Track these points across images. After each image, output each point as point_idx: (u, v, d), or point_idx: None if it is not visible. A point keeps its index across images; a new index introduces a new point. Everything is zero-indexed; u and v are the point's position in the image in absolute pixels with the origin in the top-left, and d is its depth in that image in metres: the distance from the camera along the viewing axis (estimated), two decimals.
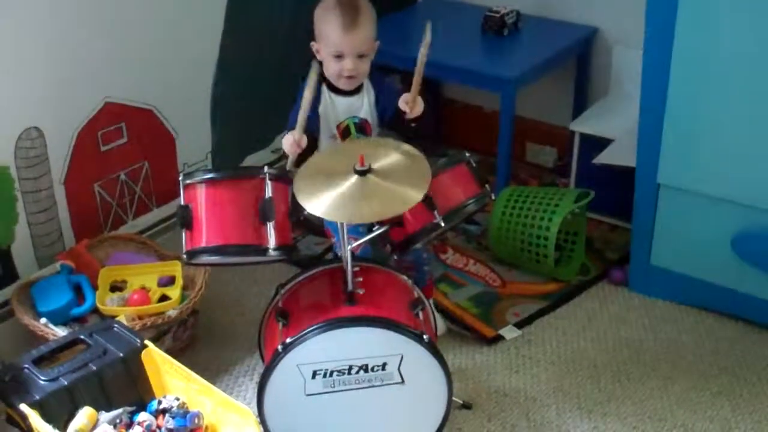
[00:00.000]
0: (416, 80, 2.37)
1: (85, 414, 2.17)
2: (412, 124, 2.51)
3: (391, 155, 2.23)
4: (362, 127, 2.55)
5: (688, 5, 2.56)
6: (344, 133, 2.54)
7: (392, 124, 2.56)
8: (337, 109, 2.54)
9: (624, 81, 3.44)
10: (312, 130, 2.49)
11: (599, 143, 3.26)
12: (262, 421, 2.22)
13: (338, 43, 2.44)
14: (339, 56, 2.46)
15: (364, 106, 2.56)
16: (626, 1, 3.25)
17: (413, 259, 2.64)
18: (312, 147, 2.45)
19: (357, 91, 2.54)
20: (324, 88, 2.53)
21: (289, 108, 2.62)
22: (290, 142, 2.36)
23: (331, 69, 2.48)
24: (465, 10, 3.67)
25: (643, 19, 2.68)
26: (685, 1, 2.56)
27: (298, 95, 2.33)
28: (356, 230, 2.41)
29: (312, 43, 2.52)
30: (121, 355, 2.30)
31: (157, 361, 2.32)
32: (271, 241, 2.22)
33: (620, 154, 3.13)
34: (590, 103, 3.55)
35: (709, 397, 2.64)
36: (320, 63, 2.47)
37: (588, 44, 3.50)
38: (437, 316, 2.68)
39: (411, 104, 2.43)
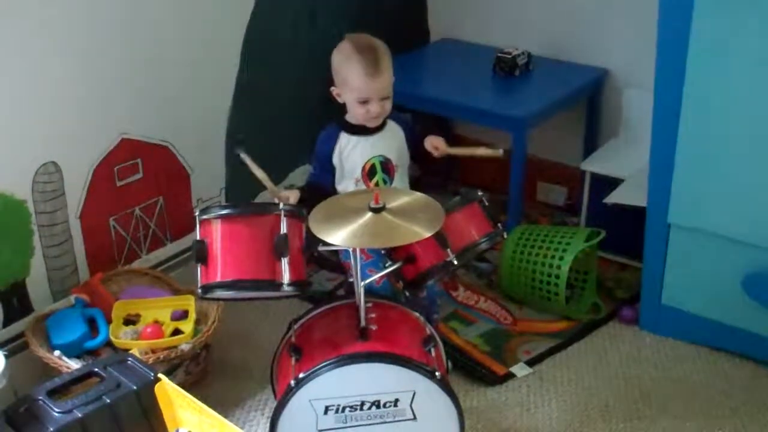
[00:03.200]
0: (462, 151, 2.66)
1: None
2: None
3: (405, 198, 2.28)
4: (386, 166, 2.60)
5: (699, 47, 2.59)
6: (370, 172, 2.58)
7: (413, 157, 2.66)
8: (357, 150, 2.58)
9: (634, 121, 3.46)
10: (325, 185, 2.59)
11: (610, 183, 3.28)
12: None
13: (363, 89, 2.48)
14: (364, 102, 2.50)
15: (385, 144, 2.59)
16: (637, 44, 3.29)
17: (427, 301, 2.65)
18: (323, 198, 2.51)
19: (377, 130, 2.59)
20: (342, 134, 2.57)
21: (305, 147, 2.65)
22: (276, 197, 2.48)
23: (355, 112, 2.53)
24: (477, 50, 3.71)
25: (653, 60, 2.71)
26: (696, 43, 2.59)
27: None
28: (376, 264, 2.45)
29: (332, 88, 2.56)
30: (135, 388, 2.31)
31: (171, 395, 2.32)
32: (286, 277, 2.23)
33: (631, 194, 3.15)
34: (601, 144, 3.58)
35: None
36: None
37: (599, 85, 3.53)
38: None
39: (440, 151, 2.60)
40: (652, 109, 2.76)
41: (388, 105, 2.54)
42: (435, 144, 2.59)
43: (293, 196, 2.48)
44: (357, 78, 2.48)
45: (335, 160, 2.59)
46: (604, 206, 3.24)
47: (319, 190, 2.54)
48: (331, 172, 2.61)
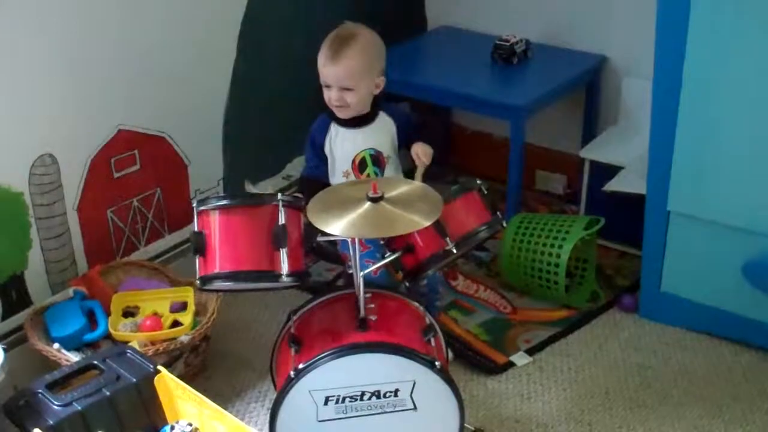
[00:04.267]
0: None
1: None
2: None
3: (404, 187, 2.28)
4: (377, 159, 2.59)
5: (698, 34, 2.58)
6: (360, 165, 2.57)
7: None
8: (345, 142, 2.58)
9: (634, 109, 3.45)
10: (320, 176, 2.59)
11: (609, 170, 3.27)
12: None
13: (323, 72, 2.53)
14: (327, 86, 2.53)
15: (375, 137, 2.59)
16: (636, 31, 3.28)
17: (427, 290, 2.64)
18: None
19: (366, 122, 2.58)
20: (332, 124, 2.57)
21: (302, 137, 2.65)
22: None
23: (325, 96, 2.56)
24: (475, 38, 3.70)
25: (652, 47, 2.70)
26: (695, 30, 2.58)
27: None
28: (373, 255, 2.44)
29: None
30: (135, 380, 2.31)
31: (170, 387, 2.32)
32: (284, 268, 2.23)
33: (630, 182, 3.15)
34: (600, 131, 3.57)
35: (721, 424, 2.63)
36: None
37: (597, 73, 3.52)
38: None
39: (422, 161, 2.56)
40: (651, 96, 2.75)
41: (350, 97, 2.52)
42: (420, 153, 2.55)
43: None
44: (320, 60, 2.53)
45: (327, 151, 2.59)
46: (604, 194, 3.24)
47: (316, 182, 2.53)
48: (326, 163, 2.61)
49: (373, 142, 2.59)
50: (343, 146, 2.59)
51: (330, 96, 2.53)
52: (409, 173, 2.62)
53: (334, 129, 2.60)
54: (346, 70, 2.50)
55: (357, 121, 2.59)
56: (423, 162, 2.55)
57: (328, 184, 2.54)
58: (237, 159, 3.33)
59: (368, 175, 2.59)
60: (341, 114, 2.57)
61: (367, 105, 2.57)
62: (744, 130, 2.62)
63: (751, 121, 2.60)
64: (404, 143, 2.62)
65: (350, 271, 2.33)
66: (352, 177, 2.59)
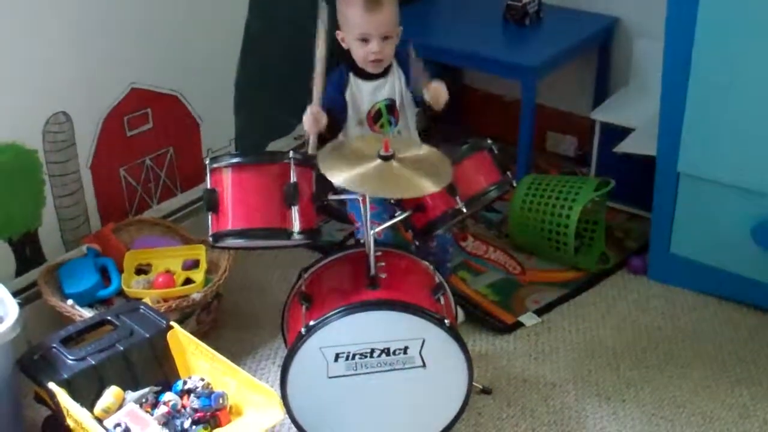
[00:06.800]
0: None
1: (112, 393, 2.21)
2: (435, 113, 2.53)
3: (416, 150, 2.28)
4: (391, 109, 2.56)
5: None
6: (375, 116, 2.55)
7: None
8: (362, 93, 2.55)
9: (645, 70, 3.44)
10: (338, 112, 2.51)
11: (620, 132, 3.27)
12: (285, 403, 2.25)
13: (362, 24, 2.44)
14: (364, 40, 2.46)
15: (390, 88, 2.56)
16: None
17: (437, 250, 2.65)
18: (335, 129, 2.48)
19: (382, 74, 2.55)
20: (350, 75, 2.54)
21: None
22: (308, 118, 2.40)
23: (357, 54, 2.49)
24: None
25: (664, 9, 2.69)
26: None
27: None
28: (379, 216, 2.44)
29: (337, 32, 2.54)
30: (148, 336, 2.34)
31: (183, 343, 2.35)
32: (296, 225, 2.24)
33: (641, 143, 3.15)
34: (611, 93, 3.56)
35: (727, 384, 2.65)
36: (329, 5, 2.45)
37: (609, 34, 3.51)
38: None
39: (441, 91, 2.45)
40: (663, 57, 2.75)
41: (389, 47, 2.47)
42: (436, 93, 2.45)
43: (323, 118, 2.42)
44: (356, 13, 2.44)
45: (347, 96, 2.54)
46: (614, 156, 3.24)
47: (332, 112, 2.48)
48: (343, 99, 2.55)
49: (388, 92, 2.56)
50: (361, 98, 2.54)
51: (369, 49, 2.45)
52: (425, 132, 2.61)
53: (353, 79, 2.54)
54: (388, 17, 2.44)
55: (378, 72, 2.55)
56: (439, 103, 2.45)
57: (339, 121, 2.52)
58: (249, 118, 3.34)
59: (382, 125, 2.55)
60: (377, 68, 2.51)
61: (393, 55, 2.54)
62: (755, 92, 2.61)
63: (763, 82, 2.59)
64: (411, 80, 2.55)
65: (359, 236, 2.33)
66: (365, 127, 2.55)
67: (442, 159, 2.28)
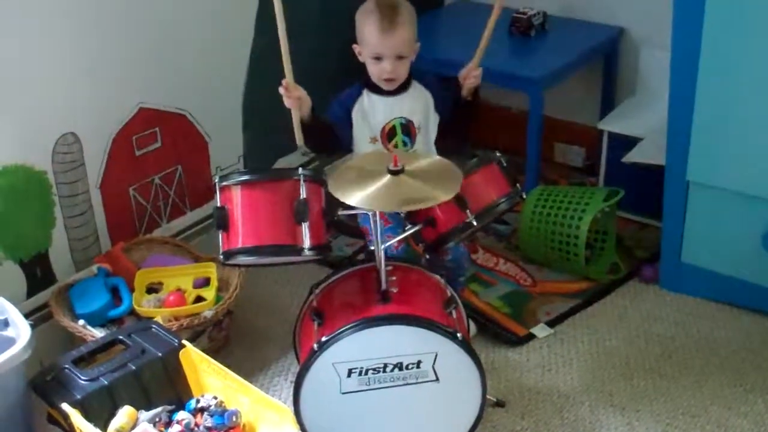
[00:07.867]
0: (483, 42, 2.55)
1: (125, 413, 2.21)
2: (469, 98, 2.59)
3: (424, 161, 2.29)
4: (408, 129, 2.58)
5: (715, 3, 2.57)
6: (390, 134, 2.56)
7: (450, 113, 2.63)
8: (377, 109, 2.56)
9: (651, 80, 3.44)
10: (339, 129, 2.55)
11: (627, 142, 3.27)
12: (299, 419, 2.25)
13: (376, 45, 2.47)
14: (378, 58, 2.49)
15: (410, 107, 2.57)
16: (653, 1, 3.26)
17: (452, 264, 2.64)
18: (336, 147, 2.50)
19: (399, 91, 2.56)
20: (364, 91, 2.56)
21: (322, 112, 2.64)
22: (284, 95, 2.43)
23: (371, 70, 2.52)
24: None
25: (670, 18, 2.69)
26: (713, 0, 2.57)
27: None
28: (394, 230, 2.44)
29: (354, 45, 2.55)
30: (160, 354, 2.34)
31: (195, 361, 2.35)
32: (306, 242, 2.25)
33: (649, 153, 3.14)
34: (618, 103, 3.56)
35: (742, 393, 2.64)
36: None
37: (615, 44, 3.51)
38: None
39: (473, 71, 2.55)
40: (670, 67, 2.75)
41: (402, 67, 2.51)
42: (468, 75, 2.56)
43: (298, 91, 2.44)
44: (371, 33, 2.47)
45: (355, 116, 2.57)
46: (623, 165, 3.24)
47: (325, 121, 2.52)
48: (347, 124, 2.57)
49: (405, 111, 2.57)
50: (374, 113, 2.56)
51: (383, 68, 2.49)
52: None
53: (367, 96, 2.56)
54: (402, 38, 2.48)
55: (392, 89, 2.56)
56: (477, 78, 2.55)
57: (331, 130, 2.54)
58: (257, 135, 3.34)
59: (396, 145, 2.57)
60: (390, 86, 2.54)
61: (408, 72, 2.56)
62: (763, 99, 2.61)
63: None
64: (446, 111, 2.61)
65: (372, 247, 2.33)
66: (379, 145, 2.57)
67: (449, 166, 2.28)
